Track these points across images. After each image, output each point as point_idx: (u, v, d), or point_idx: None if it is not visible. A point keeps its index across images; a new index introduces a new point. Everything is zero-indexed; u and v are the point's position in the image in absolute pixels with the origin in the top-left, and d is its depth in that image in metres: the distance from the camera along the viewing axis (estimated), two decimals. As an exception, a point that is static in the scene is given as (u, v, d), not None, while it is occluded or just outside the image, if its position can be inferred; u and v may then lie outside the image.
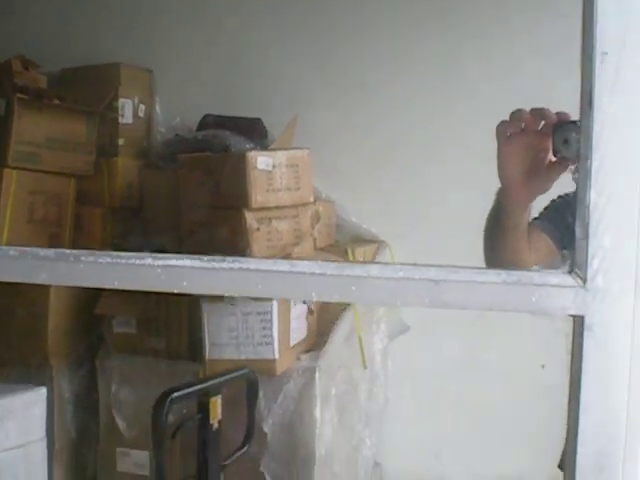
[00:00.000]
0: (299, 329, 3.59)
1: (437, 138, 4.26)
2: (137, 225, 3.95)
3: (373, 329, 4.06)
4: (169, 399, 1.94)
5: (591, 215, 0.78)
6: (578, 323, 0.82)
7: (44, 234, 3.78)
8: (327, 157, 3.99)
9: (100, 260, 0.90)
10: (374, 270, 0.83)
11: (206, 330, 3.43)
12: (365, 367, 3.91)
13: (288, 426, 3.39)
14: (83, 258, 0.91)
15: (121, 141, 3.94)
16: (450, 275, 0.82)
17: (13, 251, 0.93)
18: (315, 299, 0.85)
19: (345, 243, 3.99)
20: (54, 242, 3.81)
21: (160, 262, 0.88)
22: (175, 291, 0.89)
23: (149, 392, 3.48)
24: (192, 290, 0.89)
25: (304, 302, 3.53)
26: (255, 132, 3.90)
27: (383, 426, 4.20)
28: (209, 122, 3.94)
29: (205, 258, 0.87)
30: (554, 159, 1.40)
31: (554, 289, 0.80)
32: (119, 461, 3.67)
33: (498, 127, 1.47)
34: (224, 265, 0.87)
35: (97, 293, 3.77)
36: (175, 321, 3.62)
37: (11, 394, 2.71)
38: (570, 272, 0.81)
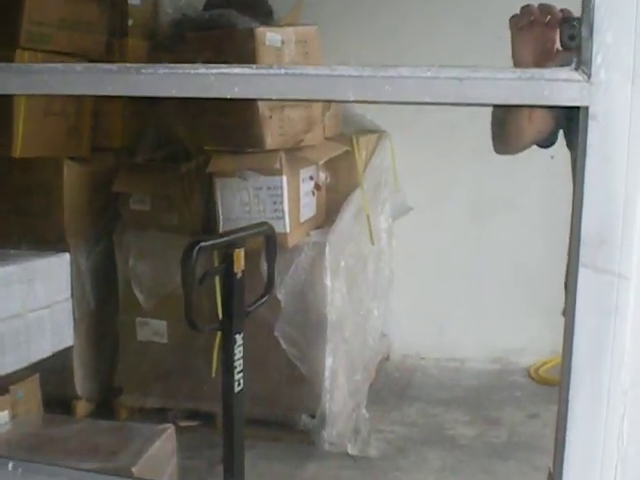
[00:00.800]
0: (308, 206, 3.73)
1: (443, 18, 4.32)
2: (152, 120, 4.00)
3: (379, 209, 4.21)
4: (197, 247, 2.07)
5: (595, 14, 0.89)
6: (583, 114, 0.94)
7: (62, 127, 3.83)
8: (332, 40, 4.04)
9: (159, 71, 1.01)
10: (405, 71, 0.95)
11: (219, 205, 3.56)
12: (373, 243, 4.06)
13: (300, 294, 3.56)
14: (143, 70, 1.02)
15: (130, 22, 3.99)
16: (472, 73, 0.94)
17: (79, 67, 1.05)
18: (352, 99, 0.95)
19: (350, 134, 4.08)
20: (72, 135, 3.87)
21: (213, 70, 1.00)
22: (228, 96, 0.99)
23: (165, 266, 3.65)
24: (243, 94, 1.00)
25: (311, 178, 3.65)
26: (261, 11, 3.93)
27: (389, 299, 4.39)
28: (215, 1, 3.98)
29: (254, 66, 0.98)
30: (561, 49, 1.54)
31: (563, 83, 0.92)
32: (139, 330, 3.85)
33: (510, 20, 1.65)
34: (271, 71, 0.98)
35: (113, 171, 3.90)
36: (189, 198, 3.75)
37: (37, 258, 2.85)
38: (577, 69, 0.92)
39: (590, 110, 0.92)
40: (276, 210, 3.46)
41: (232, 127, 3.50)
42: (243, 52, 3.45)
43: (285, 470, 3.50)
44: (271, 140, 3.45)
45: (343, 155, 3.85)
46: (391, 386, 4.35)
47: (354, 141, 3.92)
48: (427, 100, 0.96)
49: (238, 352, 2.28)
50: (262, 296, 2.44)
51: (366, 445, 3.66)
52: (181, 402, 3.87)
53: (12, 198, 3.83)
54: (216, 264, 2.84)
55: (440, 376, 4.46)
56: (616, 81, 0.91)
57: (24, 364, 2.80)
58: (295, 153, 3.54)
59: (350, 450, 3.62)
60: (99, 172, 3.92)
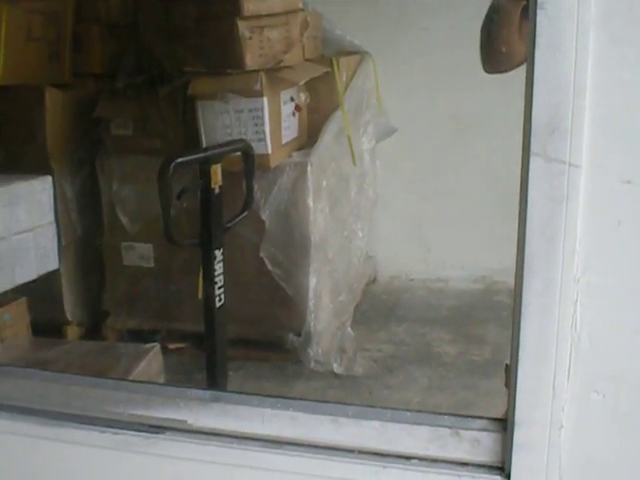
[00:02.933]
0: (290, 128, 3.73)
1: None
2: (132, 44, 3.97)
3: (361, 131, 4.20)
4: (173, 163, 2.09)
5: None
6: (532, 4, 0.94)
7: (43, 53, 3.80)
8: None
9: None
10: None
11: (202, 127, 3.56)
12: (355, 164, 4.07)
13: (284, 214, 3.58)
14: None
15: None
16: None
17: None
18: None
19: (330, 55, 4.05)
20: (54, 60, 3.85)
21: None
22: None
23: (149, 189, 3.65)
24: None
25: (291, 99, 3.64)
26: None
27: (375, 221, 4.42)
28: None
29: None
30: None
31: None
32: (125, 255, 3.88)
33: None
34: None
35: (94, 97, 3.88)
36: (170, 121, 3.74)
37: (18, 181, 2.87)
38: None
39: (538, 0, 0.93)
40: (257, 132, 3.46)
41: (212, 48, 3.49)
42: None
43: (273, 389, 3.55)
44: (251, 61, 3.43)
45: (323, 76, 3.83)
46: (378, 307, 4.40)
47: (334, 62, 3.89)
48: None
49: (218, 267, 2.32)
50: (241, 212, 2.46)
51: (352, 363, 3.71)
52: (169, 324, 3.91)
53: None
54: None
55: (428, 297, 4.51)
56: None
57: (9, 286, 2.84)
58: (275, 74, 3.52)
59: (336, 369, 3.67)
60: (81, 98, 3.91)
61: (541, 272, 1.01)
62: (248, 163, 2.45)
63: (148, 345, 2.97)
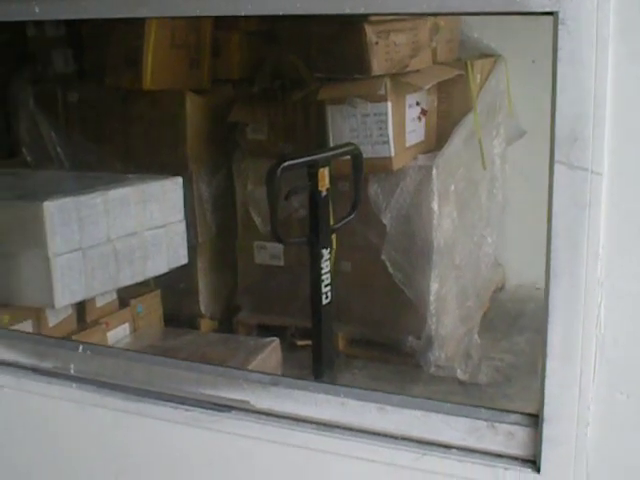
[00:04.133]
0: (415, 131, 3.78)
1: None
2: (268, 51, 4.12)
3: (493, 134, 4.19)
4: (281, 166, 2.20)
5: None
6: (554, 20, 0.99)
7: (185, 59, 4.00)
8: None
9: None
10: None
11: (330, 132, 3.67)
12: (485, 168, 4.07)
13: (406, 218, 3.62)
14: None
15: None
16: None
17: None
18: (348, 11, 1.04)
19: (466, 58, 4.07)
20: (194, 67, 4.05)
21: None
22: (260, 13, 1.09)
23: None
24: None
25: (417, 103, 3.70)
26: None
27: (503, 227, 4.40)
28: None
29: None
30: None
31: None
32: (257, 253, 4.04)
33: None
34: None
35: (232, 102, 4.06)
36: (301, 126, 3.88)
37: (152, 181, 3.07)
38: (548, -24, 0.98)
39: (560, 15, 0.99)
40: (381, 135, 3.54)
41: (341, 54, 3.58)
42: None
43: (394, 392, 3.60)
44: (377, 66, 3.50)
45: (457, 79, 3.86)
46: (503, 315, 4.36)
47: (468, 65, 3.92)
48: (411, 10, 1.04)
49: (325, 266, 2.42)
50: (348, 214, 2.55)
51: (477, 371, 3.70)
52: (297, 321, 4.03)
53: (139, 128, 4.06)
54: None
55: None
56: (582, -11, 0.97)
57: (140, 279, 3.04)
58: (400, 79, 3.59)
59: (460, 375, 3.66)
60: (219, 103, 4.09)
61: (566, 275, 1.06)
62: (357, 167, 2.54)
63: (267, 339, 3.11)
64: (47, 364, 1.45)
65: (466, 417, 1.20)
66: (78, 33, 4.14)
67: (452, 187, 3.76)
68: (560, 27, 0.98)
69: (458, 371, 3.67)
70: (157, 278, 3.34)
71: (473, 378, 3.65)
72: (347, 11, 1.07)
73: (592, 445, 1.10)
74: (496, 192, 4.26)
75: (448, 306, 3.78)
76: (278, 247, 4.01)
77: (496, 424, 1.18)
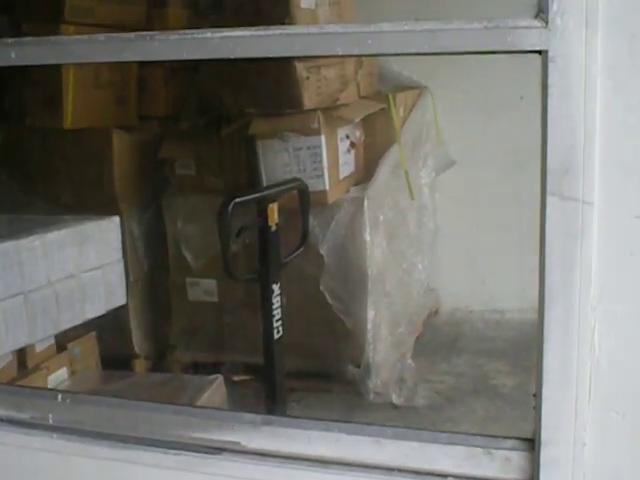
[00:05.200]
0: (347, 164, 3.83)
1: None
2: (194, 87, 4.13)
3: (419, 165, 4.29)
4: (232, 203, 2.21)
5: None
6: (544, 57, 1.04)
7: (110, 97, 3.97)
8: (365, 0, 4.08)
9: (171, 37, 1.14)
10: (385, 26, 1.06)
11: (262, 166, 3.69)
12: (412, 198, 4.15)
13: (341, 249, 3.67)
14: (157, 37, 1.14)
15: (169, -10, 4.10)
16: (444, 26, 1.05)
17: (102, 37, 1.18)
18: (340, 53, 1.07)
19: (387, 91, 4.15)
20: (120, 104, 4.03)
21: (217, 34, 1.12)
22: (231, 57, 1.11)
23: (212, 227, 3.79)
24: (243, 54, 1.11)
25: (347, 136, 3.76)
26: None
27: (435, 254, 4.48)
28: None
29: (253, 28, 1.10)
30: None
31: (524, 30, 1.03)
32: (190, 290, 4.01)
33: None
34: (269, 32, 1.10)
35: (159, 139, 4.05)
36: (231, 161, 3.88)
37: (89, 222, 3.02)
38: (536, 16, 1.03)
39: (549, 53, 1.03)
40: (315, 169, 3.58)
41: (271, 89, 3.61)
42: (279, 15, 3.53)
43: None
44: (308, 101, 3.54)
45: (380, 112, 3.94)
46: (440, 339, 4.43)
47: (390, 98, 4.00)
48: (405, 51, 1.07)
49: (276, 301, 2.42)
50: (297, 248, 2.57)
51: (412, 394, 3.74)
52: (233, 357, 4.02)
53: (65, 167, 4.00)
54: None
55: (484, 328, 4.54)
56: (571, 26, 1.02)
57: (79, 321, 2.98)
58: (331, 112, 3.64)
59: (395, 400, 3.70)
60: (146, 140, 4.06)
61: (560, 301, 1.10)
62: (303, 201, 2.57)
63: (211, 377, 3.09)
64: (24, 415, 1.42)
65: (462, 445, 1.22)
66: (-1, 72, 4.07)
67: (381, 217, 3.83)
68: (550, 64, 1.03)
69: (393, 396, 3.72)
70: (90, 319, 3.28)
71: (409, 402, 3.69)
72: (339, 52, 1.09)
73: (589, 465, 1.14)
74: (426, 220, 4.35)
75: (381, 333, 3.83)
76: (211, 283, 3.99)
77: (492, 450, 1.21)
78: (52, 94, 3.79)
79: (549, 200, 1.07)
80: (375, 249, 3.75)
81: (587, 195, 1.06)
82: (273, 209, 2.36)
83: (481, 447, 1.21)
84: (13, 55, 1.21)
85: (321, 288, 3.67)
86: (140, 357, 4.10)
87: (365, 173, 3.98)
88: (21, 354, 2.91)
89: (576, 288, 1.09)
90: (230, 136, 3.83)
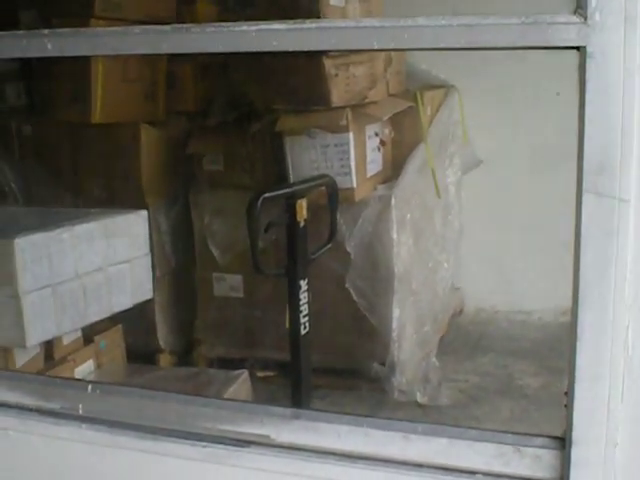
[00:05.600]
0: (375, 161, 3.83)
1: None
2: (223, 83, 4.14)
3: (446, 163, 4.28)
4: (261, 199, 2.22)
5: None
6: (582, 54, 1.03)
7: (139, 92, 4.00)
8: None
9: (207, 30, 1.14)
10: (422, 21, 1.06)
11: (289, 163, 3.69)
12: (439, 197, 4.14)
13: (368, 246, 3.67)
14: (193, 29, 1.15)
15: (200, -13, 4.11)
16: (481, 20, 1.05)
17: (137, 29, 1.18)
18: (376, 47, 1.07)
19: (415, 89, 4.14)
20: (149, 100, 4.05)
21: (254, 27, 1.12)
22: (267, 49, 1.11)
23: (239, 222, 3.79)
24: (281, 47, 1.11)
25: (376, 134, 3.75)
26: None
27: (460, 252, 4.47)
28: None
29: (290, 21, 1.10)
30: None
31: (562, 26, 1.02)
32: (216, 285, 4.03)
33: None
34: (305, 26, 1.10)
35: (186, 134, 4.06)
36: (259, 157, 3.89)
37: (116, 215, 3.03)
38: (574, 12, 1.02)
39: (587, 49, 1.02)
40: (343, 166, 3.58)
41: (299, 86, 3.62)
42: (309, 12, 3.53)
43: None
44: (337, 98, 3.55)
45: (407, 110, 3.93)
46: (464, 338, 4.41)
47: (418, 97, 3.99)
48: (442, 46, 1.07)
49: (303, 297, 2.42)
50: (325, 244, 2.57)
51: (436, 393, 3.74)
52: (258, 353, 4.03)
53: (94, 162, 4.03)
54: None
55: (509, 329, 4.51)
56: (610, 22, 1.01)
57: (106, 315, 3.00)
58: (360, 110, 3.64)
59: (419, 398, 3.70)
60: (174, 135, 4.08)
61: (595, 300, 1.09)
62: (332, 197, 2.57)
63: (237, 372, 3.09)
64: (54, 405, 1.43)
65: (492, 442, 1.22)
66: (30, 66, 4.10)
67: (408, 215, 3.82)
68: (588, 61, 1.02)
69: (418, 394, 3.71)
70: (117, 313, 3.30)
71: (433, 401, 3.69)
72: (375, 47, 1.09)
73: (621, 466, 1.13)
74: (452, 219, 4.34)
75: (407, 331, 3.82)
76: (237, 278, 4.00)
77: (522, 448, 1.20)
78: (81, 88, 3.83)
79: (585, 197, 1.06)
80: (402, 247, 3.74)
81: (624, 193, 1.05)
82: (302, 205, 2.37)
83: (511, 445, 1.21)
84: (49, 46, 1.22)
85: (347, 285, 3.67)
86: (165, 351, 4.12)
87: (392, 171, 3.97)
88: (48, 346, 2.94)
89: (611, 286, 1.08)
90: (259, 132, 3.84)
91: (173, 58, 4.15)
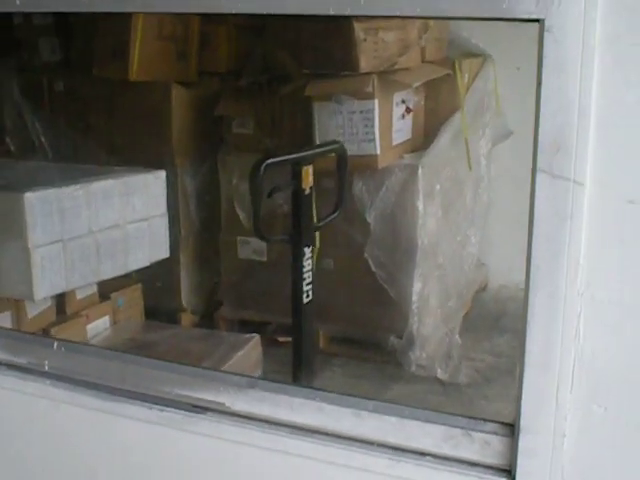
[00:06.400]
0: (402, 130, 3.76)
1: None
2: (257, 45, 4.10)
3: (479, 134, 4.18)
4: (264, 164, 2.19)
5: None
6: (540, 27, 0.98)
7: (172, 51, 3.98)
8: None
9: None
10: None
11: (316, 128, 3.66)
12: (470, 168, 4.06)
13: (390, 216, 3.61)
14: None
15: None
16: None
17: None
18: (332, 12, 1.03)
19: (455, 57, 4.06)
20: (181, 59, 4.03)
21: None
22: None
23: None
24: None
25: (402, 101, 3.69)
26: None
27: (487, 227, 4.39)
28: None
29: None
30: None
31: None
32: (240, 248, 4.02)
33: None
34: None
35: (216, 96, 4.04)
36: (288, 122, 3.86)
37: (134, 174, 3.04)
38: (534, -17, 0.97)
39: (546, 23, 0.97)
40: (367, 133, 3.53)
41: (329, 51, 3.57)
42: None
43: (371, 389, 3.56)
44: (365, 63, 3.49)
45: (445, 78, 3.86)
46: (485, 316, 4.35)
47: (456, 64, 3.91)
48: (397, 14, 1.02)
49: (307, 264, 2.40)
50: (332, 213, 2.54)
51: (457, 371, 3.70)
52: (279, 317, 4.02)
53: (126, 120, 4.03)
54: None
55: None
56: (570, 9, 0.96)
57: (121, 272, 3.01)
58: (389, 76, 3.58)
59: (440, 375, 3.66)
60: (205, 96, 4.07)
61: (546, 285, 1.05)
62: (341, 165, 2.53)
63: (248, 335, 3.10)
64: (22, 360, 1.44)
65: (442, 424, 1.19)
66: (66, 21, 4.10)
67: (437, 186, 3.76)
68: (546, 35, 0.97)
69: (438, 371, 3.67)
70: (139, 271, 3.31)
71: (453, 378, 3.64)
72: (331, 12, 1.06)
73: (568, 457, 1.09)
74: (481, 192, 4.26)
75: (430, 306, 3.77)
76: (261, 242, 3.99)
77: (472, 432, 1.17)
78: (120, 44, 3.82)
79: (539, 177, 1.02)
80: (428, 219, 3.68)
81: (579, 175, 1.00)
82: (308, 172, 2.34)
83: (460, 428, 1.18)
84: (18, 2, 1.21)
85: (365, 255, 3.63)
86: (187, 311, 4.14)
87: (424, 140, 3.91)
88: (60, 300, 2.97)
89: (563, 272, 1.04)
90: (288, 96, 3.80)
91: (207, 18, 4.12)
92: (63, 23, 4.13)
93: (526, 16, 0.98)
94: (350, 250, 3.69)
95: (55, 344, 1.41)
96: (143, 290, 3.53)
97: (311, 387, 1.24)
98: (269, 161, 2.23)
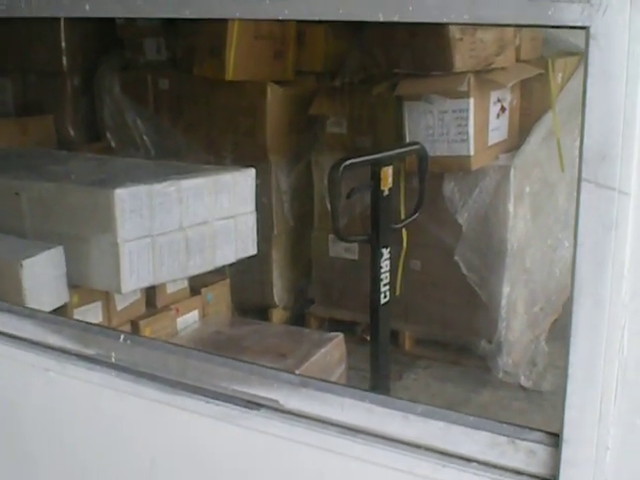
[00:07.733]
0: (498, 130, 3.72)
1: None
2: (354, 45, 4.12)
3: (574, 134, 4.09)
4: (343, 165, 2.21)
5: None
6: (585, 34, 0.97)
7: (269, 50, 4.05)
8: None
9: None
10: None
11: (407, 128, 3.65)
12: (563, 169, 3.96)
13: (483, 218, 3.58)
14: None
15: None
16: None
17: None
18: (382, 18, 1.03)
19: (551, 56, 4.00)
20: (278, 58, 4.09)
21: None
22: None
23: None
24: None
25: (498, 100, 3.65)
26: None
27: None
28: None
29: None
30: None
31: (565, 4, 0.96)
32: (331, 246, 4.06)
33: None
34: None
35: (312, 95, 4.08)
36: (380, 121, 3.87)
37: (223, 172, 3.10)
38: (579, -10, 0.96)
39: (591, 30, 0.96)
40: (460, 133, 3.50)
41: (423, 50, 3.56)
42: None
43: (457, 394, 3.55)
44: (460, 62, 3.46)
45: (538, 78, 3.80)
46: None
47: (549, 63, 3.84)
48: (445, 20, 1.03)
49: (385, 265, 2.41)
50: (411, 215, 2.54)
51: (540, 379, 3.63)
52: (368, 318, 4.03)
53: (224, 118, 4.12)
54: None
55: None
56: (615, 2, 0.94)
57: (209, 268, 3.08)
58: (484, 76, 3.54)
59: (523, 382, 3.61)
60: (301, 95, 4.12)
61: (590, 296, 1.03)
62: (422, 167, 2.52)
63: (332, 334, 3.12)
64: (90, 351, 1.50)
65: (488, 431, 1.19)
66: (173, 22, 4.22)
67: (527, 188, 3.71)
68: (591, 42, 0.96)
69: (522, 378, 3.62)
70: (231, 267, 3.38)
71: (536, 386, 3.59)
72: (381, 19, 1.07)
73: (611, 469, 1.07)
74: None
75: (517, 311, 3.73)
76: (353, 241, 4.01)
77: (517, 441, 1.16)
78: (218, 44, 3.90)
79: (584, 187, 1.01)
80: (518, 222, 3.64)
81: (624, 185, 0.98)
82: (387, 173, 2.34)
83: (506, 436, 1.17)
84: (87, 7, 1.26)
85: (456, 258, 3.61)
86: (279, 307, 4.21)
87: (519, 140, 3.85)
88: (150, 293, 3.05)
89: (607, 283, 1.02)
90: (381, 95, 3.81)
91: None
92: (170, 23, 4.24)
93: (572, 23, 0.97)
94: (438, 251, 3.68)
95: (122, 337, 1.47)
96: (237, 286, 3.59)
97: (360, 388, 1.25)
98: (347, 162, 2.25)
